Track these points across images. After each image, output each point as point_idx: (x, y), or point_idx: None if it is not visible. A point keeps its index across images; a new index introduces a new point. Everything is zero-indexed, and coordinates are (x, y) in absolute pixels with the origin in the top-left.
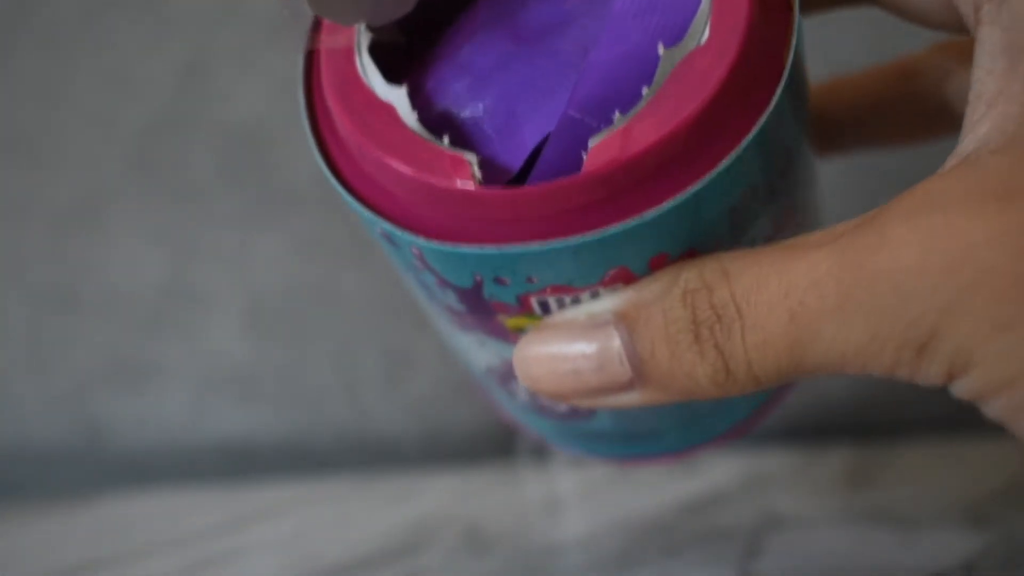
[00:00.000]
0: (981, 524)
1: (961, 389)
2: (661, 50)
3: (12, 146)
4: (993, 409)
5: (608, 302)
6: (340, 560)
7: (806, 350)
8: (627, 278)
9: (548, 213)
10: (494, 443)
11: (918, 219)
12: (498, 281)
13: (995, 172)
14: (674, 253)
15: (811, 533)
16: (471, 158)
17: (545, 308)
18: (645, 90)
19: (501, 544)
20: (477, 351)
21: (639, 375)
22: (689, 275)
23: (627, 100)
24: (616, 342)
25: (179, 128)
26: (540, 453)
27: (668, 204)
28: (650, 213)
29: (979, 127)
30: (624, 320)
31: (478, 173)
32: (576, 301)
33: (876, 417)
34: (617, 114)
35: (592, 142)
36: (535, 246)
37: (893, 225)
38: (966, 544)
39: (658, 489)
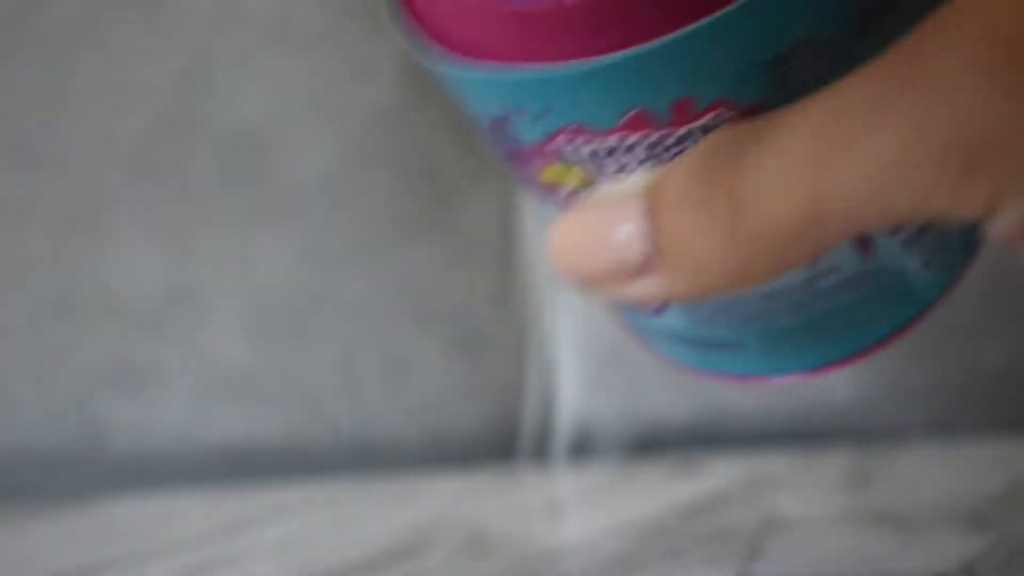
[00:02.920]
0: (981, 526)
1: (1006, 219)
2: None
3: (12, 149)
4: None
5: (639, 179)
6: (340, 563)
7: (830, 172)
8: (649, 124)
9: (555, 34)
10: (495, 446)
11: (972, 7)
12: (520, 112)
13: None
14: (701, 100)
15: (812, 535)
16: None
17: (575, 154)
18: None
19: (502, 547)
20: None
21: (653, 249)
22: (715, 134)
23: None
24: (635, 214)
25: (180, 131)
26: (541, 455)
27: (684, 30)
28: (662, 41)
29: None
30: (649, 191)
31: None
32: (601, 150)
33: (876, 419)
34: None
35: None
36: (542, 70)
37: (946, 12)
38: (966, 546)
39: (659, 491)
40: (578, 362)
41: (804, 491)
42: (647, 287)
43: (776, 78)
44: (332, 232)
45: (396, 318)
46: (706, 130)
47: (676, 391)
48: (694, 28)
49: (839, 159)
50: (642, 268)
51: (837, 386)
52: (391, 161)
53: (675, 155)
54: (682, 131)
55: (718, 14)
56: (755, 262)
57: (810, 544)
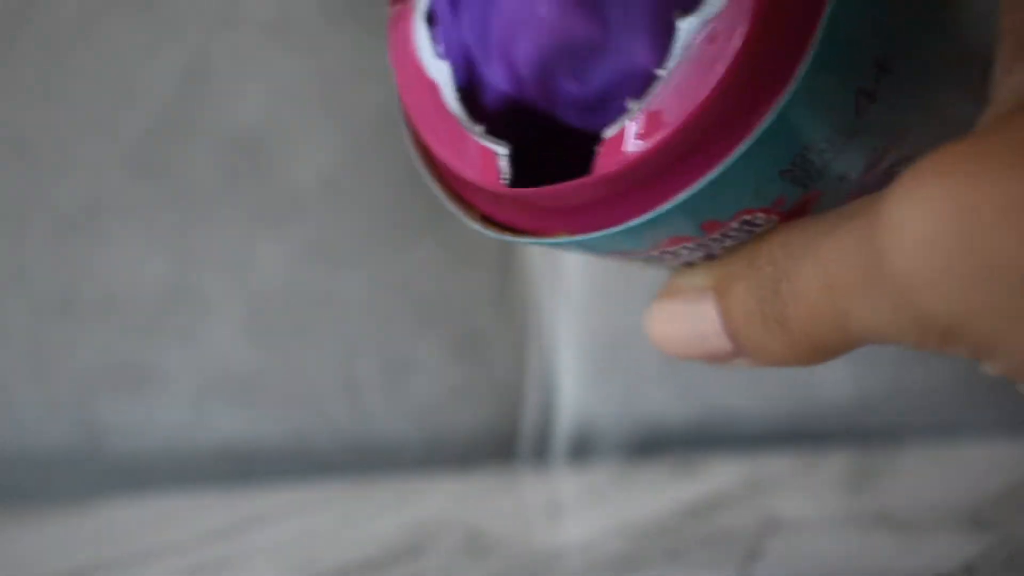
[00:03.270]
0: (982, 527)
1: (990, 370)
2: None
3: (13, 150)
4: None
5: (707, 274)
6: (340, 564)
7: (846, 322)
8: (684, 240)
9: (570, 207)
10: (495, 447)
11: (924, 189)
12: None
13: (1008, 135)
14: (723, 217)
15: (812, 536)
16: (502, 151)
17: (623, 257)
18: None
19: (502, 548)
20: None
21: (736, 347)
22: (759, 249)
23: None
24: (713, 316)
25: (180, 132)
26: (541, 456)
27: (697, 186)
28: (682, 196)
29: (1017, 71)
30: (717, 295)
31: (506, 169)
32: (648, 258)
33: (877, 420)
34: (631, 102)
35: (607, 133)
36: (574, 238)
37: (892, 197)
38: (967, 547)
39: (659, 492)
40: (578, 363)
41: (804, 492)
42: (740, 364)
43: (786, 181)
44: (332, 232)
45: (396, 319)
46: (738, 228)
47: (676, 392)
48: (705, 183)
49: (850, 319)
50: (730, 355)
51: (838, 387)
52: (391, 162)
53: (719, 245)
54: (717, 233)
55: (719, 168)
56: (812, 359)
57: (810, 545)
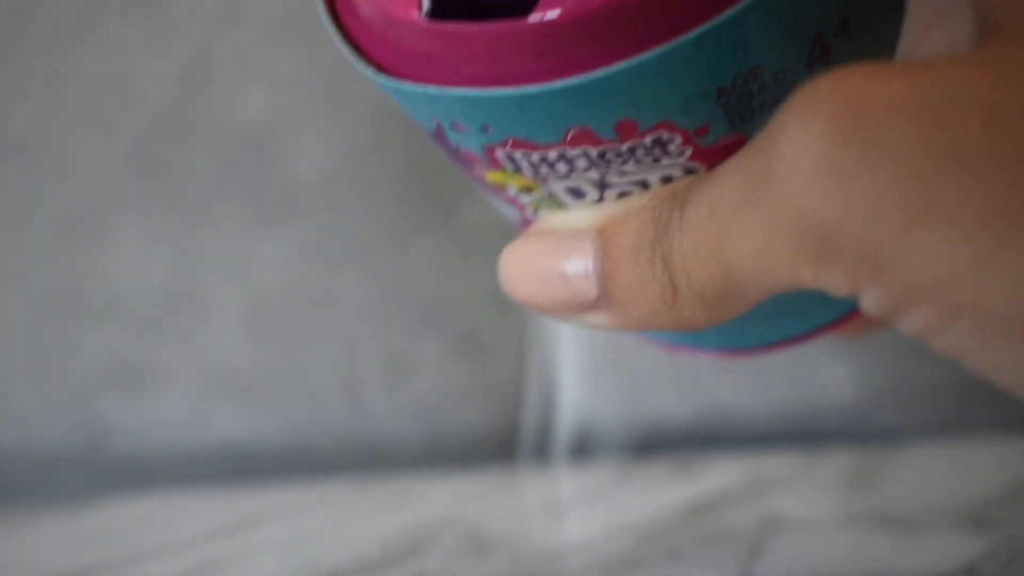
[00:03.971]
0: (983, 527)
1: (870, 302)
2: None
3: (12, 150)
4: (910, 324)
5: (591, 215)
6: (342, 563)
7: (726, 254)
8: (592, 140)
9: (492, 56)
10: (495, 446)
11: (817, 90)
12: (455, 127)
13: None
14: (643, 123)
15: (812, 536)
16: None
17: (516, 164)
18: None
19: (502, 547)
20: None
21: (604, 293)
22: (661, 188)
23: None
24: (587, 255)
25: (181, 132)
26: (541, 456)
27: (621, 65)
28: (600, 72)
29: (925, 42)
30: (601, 235)
31: (427, 2)
32: (544, 160)
33: (877, 419)
34: None
35: None
36: (474, 91)
37: (794, 98)
38: (968, 547)
39: (659, 492)
40: (578, 362)
41: (805, 492)
42: (595, 320)
43: (719, 105)
44: (333, 232)
45: (397, 318)
46: (650, 145)
47: (676, 391)
48: (633, 62)
49: (728, 241)
50: (593, 304)
51: (838, 386)
52: (392, 161)
53: (620, 164)
54: (626, 146)
55: (658, 50)
56: (691, 317)
57: (811, 545)
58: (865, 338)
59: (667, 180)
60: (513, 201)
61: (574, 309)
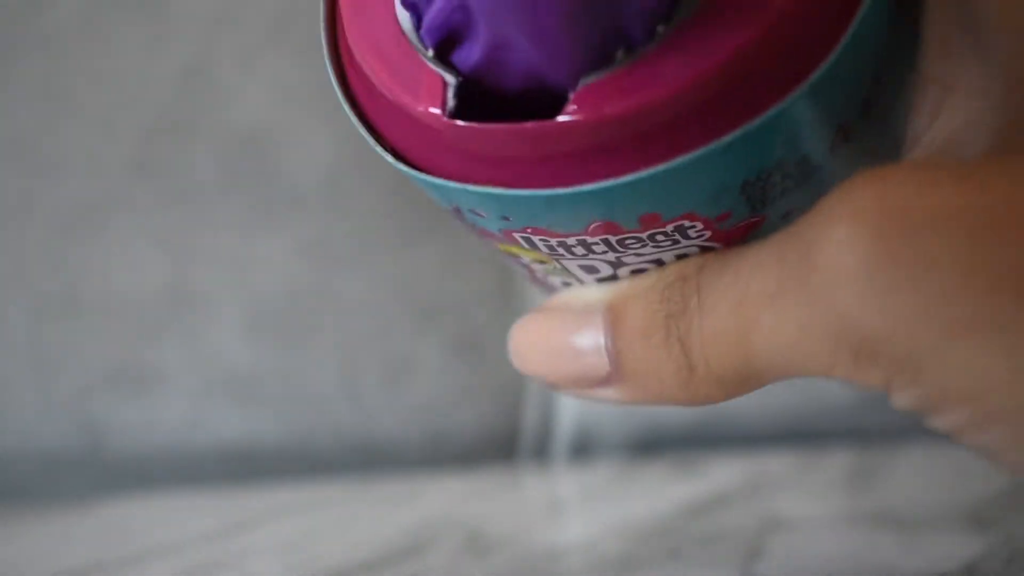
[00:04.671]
0: (983, 526)
1: (903, 401)
2: None
3: (13, 149)
4: (942, 424)
5: (603, 291)
6: (342, 564)
7: (751, 342)
8: (615, 231)
9: (518, 156)
10: (495, 446)
11: (855, 192)
12: (474, 213)
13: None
14: (667, 215)
15: (812, 535)
16: (451, 80)
17: (533, 245)
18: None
19: (503, 547)
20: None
21: (615, 370)
22: (672, 267)
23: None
24: (598, 330)
25: (181, 131)
26: (541, 456)
27: (652, 169)
28: (631, 176)
29: (937, 124)
30: (611, 311)
31: (452, 100)
32: (562, 244)
33: (877, 419)
34: (621, 53)
35: (584, 80)
36: (498, 190)
37: (831, 200)
38: (968, 546)
39: (659, 492)
40: None
41: (805, 491)
42: (607, 395)
43: (742, 195)
44: (333, 232)
45: (397, 319)
46: (671, 232)
47: None
48: (665, 167)
49: (756, 331)
50: (604, 380)
51: (838, 386)
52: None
53: (639, 248)
54: (647, 234)
55: (690, 155)
56: (707, 395)
57: (811, 545)
58: None
59: (682, 257)
60: (524, 265)
61: (586, 384)
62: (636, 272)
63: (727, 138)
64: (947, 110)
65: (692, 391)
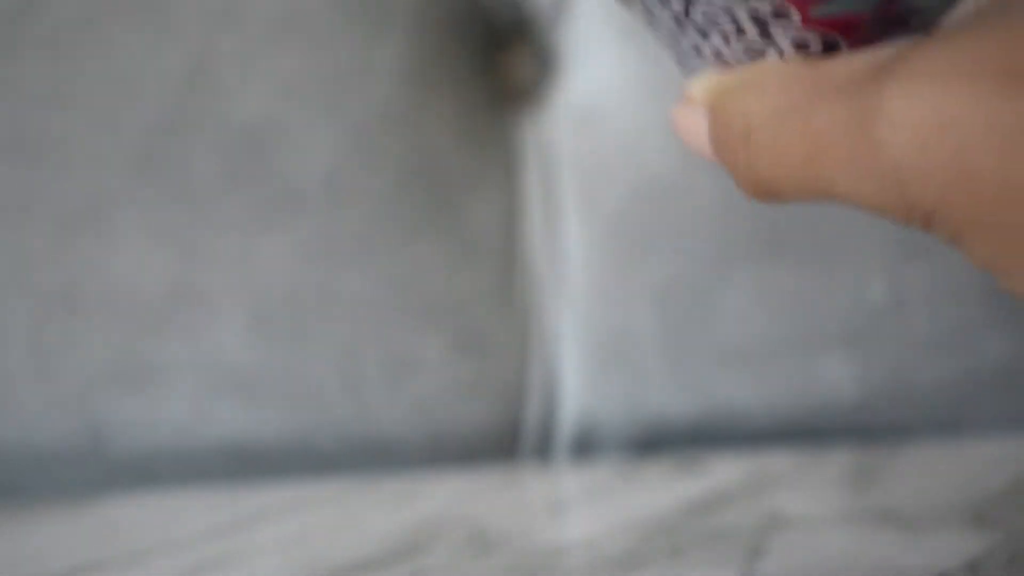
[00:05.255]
0: (985, 524)
1: (974, 255)
2: None
3: (16, 147)
4: (1007, 280)
5: (704, 87)
6: (343, 561)
7: (824, 189)
8: None
9: None
10: (497, 444)
11: (916, 89)
12: None
13: (997, 46)
14: None
15: (815, 533)
16: None
17: None
18: None
19: (504, 545)
20: None
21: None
22: (732, 87)
23: None
24: (704, 127)
25: (183, 129)
26: (543, 453)
27: None
28: None
29: None
30: (708, 108)
31: None
32: None
33: (880, 418)
34: None
35: None
36: None
37: (892, 93)
38: (970, 544)
39: (661, 490)
40: (581, 360)
41: (807, 490)
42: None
43: None
44: (335, 230)
45: (399, 316)
46: None
47: (679, 389)
48: None
49: (828, 185)
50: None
51: (840, 385)
52: (394, 159)
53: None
54: None
55: None
56: (774, 200)
57: (813, 543)
58: (868, 337)
59: (753, 13)
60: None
61: (718, 163)
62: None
63: None
64: None
65: (760, 194)
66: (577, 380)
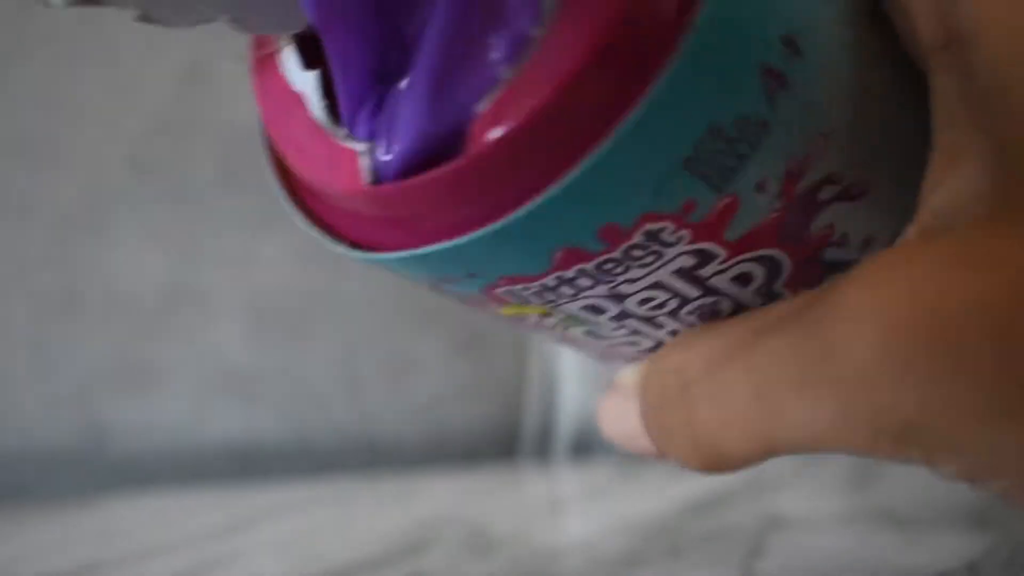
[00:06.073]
0: (984, 525)
1: (946, 472)
2: None
3: (15, 149)
4: (986, 489)
5: (636, 371)
6: (343, 561)
7: (775, 431)
8: (582, 257)
9: (442, 205)
10: (496, 445)
11: (880, 287)
12: (445, 280)
13: (967, 238)
14: (624, 221)
15: (814, 534)
16: (362, 148)
17: (521, 298)
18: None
19: (503, 545)
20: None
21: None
22: (664, 355)
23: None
24: (635, 416)
25: (181, 131)
26: (543, 454)
27: (574, 172)
28: (554, 189)
29: (942, 189)
30: (636, 392)
31: (367, 169)
32: (545, 288)
33: None
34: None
35: (479, 107)
36: (435, 247)
37: (852, 292)
38: (970, 545)
39: (660, 490)
40: (579, 361)
41: (806, 490)
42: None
43: (694, 176)
44: None
45: (397, 317)
46: (644, 242)
47: None
48: (594, 160)
49: (780, 423)
50: (659, 455)
51: None
52: None
53: (623, 272)
54: (619, 251)
55: (603, 145)
56: (720, 472)
57: (812, 543)
58: None
59: (682, 273)
60: (539, 326)
61: (655, 457)
62: (645, 303)
63: (631, 115)
64: (951, 178)
65: (706, 469)
66: (576, 380)
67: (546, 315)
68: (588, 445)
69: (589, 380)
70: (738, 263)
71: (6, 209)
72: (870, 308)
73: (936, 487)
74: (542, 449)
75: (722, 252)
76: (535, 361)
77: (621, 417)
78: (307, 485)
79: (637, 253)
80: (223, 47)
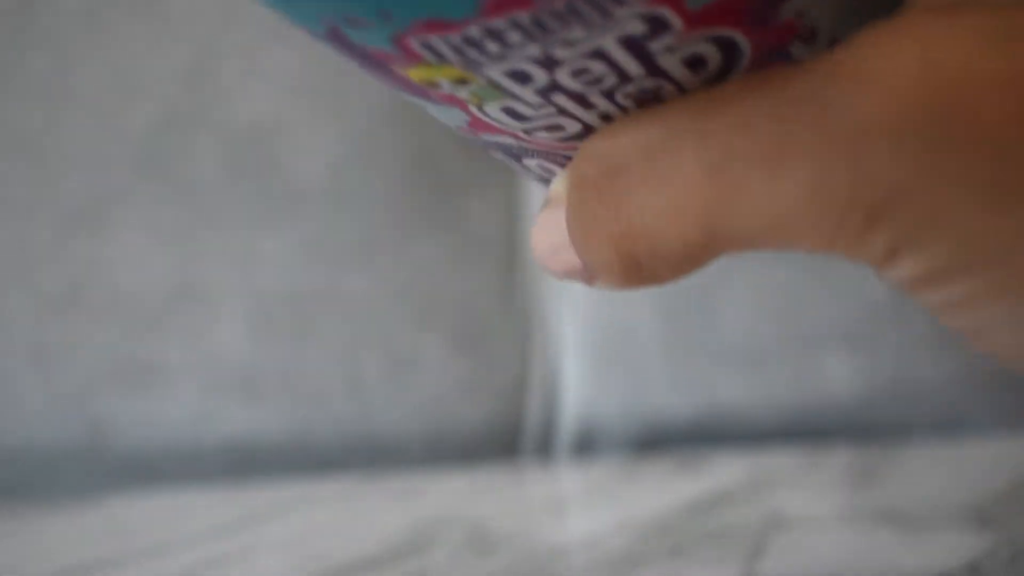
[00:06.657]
0: (986, 524)
1: (902, 270)
2: None
3: (18, 146)
4: (935, 297)
5: (563, 178)
6: (345, 559)
7: (724, 215)
8: (519, 2)
9: None
10: (499, 443)
11: (893, 52)
12: (352, 23)
13: (996, 10)
14: None
15: (816, 533)
16: None
17: (437, 52)
18: None
19: (506, 544)
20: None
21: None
22: (590, 142)
23: None
24: (563, 225)
25: (185, 128)
26: (544, 452)
27: None
28: None
29: None
30: (561, 198)
31: None
32: (467, 41)
33: (881, 418)
34: None
35: None
36: None
37: (859, 53)
38: (971, 544)
39: (662, 489)
40: (582, 359)
41: (808, 489)
42: (602, 286)
43: None
44: (336, 229)
45: (400, 315)
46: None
47: (679, 389)
48: None
49: (735, 202)
50: (582, 273)
51: (842, 384)
52: (395, 159)
53: (563, 30)
54: (562, 2)
55: None
56: (651, 279)
57: (814, 542)
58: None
59: (629, 43)
60: (451, 99)
61: (581, 278)
62: (579, 74)
63: None
64: None
65: (635, 277)
66: (578, 379)
67: (462, 81)
68: (590, 444)
69: (591, 379)
70: (693, 41)
71: (9, 206)
72: (880, 70)
73: (936, 487)
74: (544, 448)
75: (678, 23)
76: (537, 359)
77: (549, 229)
78: (309, 483)
79: (582, 7)
80: (228, 44)
